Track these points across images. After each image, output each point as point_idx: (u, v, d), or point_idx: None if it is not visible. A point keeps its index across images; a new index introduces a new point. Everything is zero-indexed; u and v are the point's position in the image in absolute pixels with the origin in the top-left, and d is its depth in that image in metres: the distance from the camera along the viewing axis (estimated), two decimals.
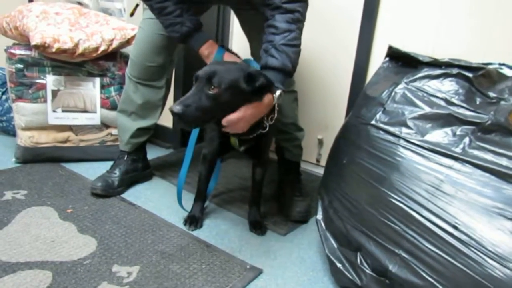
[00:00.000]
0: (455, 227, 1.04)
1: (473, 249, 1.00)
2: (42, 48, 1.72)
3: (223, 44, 1.91)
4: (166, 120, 2.27)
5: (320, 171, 2.18)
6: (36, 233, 1.41)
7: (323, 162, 2.21)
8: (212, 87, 1.19)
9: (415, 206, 1.12)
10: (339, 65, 2.01)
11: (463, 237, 1.02)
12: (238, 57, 1.55)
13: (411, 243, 1.11)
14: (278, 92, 1.29)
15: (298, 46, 1.35)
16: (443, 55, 1.45)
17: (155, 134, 1.89)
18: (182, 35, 1.44)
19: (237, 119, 1.22)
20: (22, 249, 1.33)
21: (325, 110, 2.12)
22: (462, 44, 1.65)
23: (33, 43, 1.70)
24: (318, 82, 2.09)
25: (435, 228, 1.07)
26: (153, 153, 2.18)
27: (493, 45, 1.59)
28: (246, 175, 1.98)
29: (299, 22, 1.35)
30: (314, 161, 2.22)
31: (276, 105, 1.32)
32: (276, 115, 1.36)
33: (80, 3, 2.28)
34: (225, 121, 1.22)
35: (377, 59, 1.81)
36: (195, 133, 1.52)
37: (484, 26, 1.60)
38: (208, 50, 1.46)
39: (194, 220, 1.57)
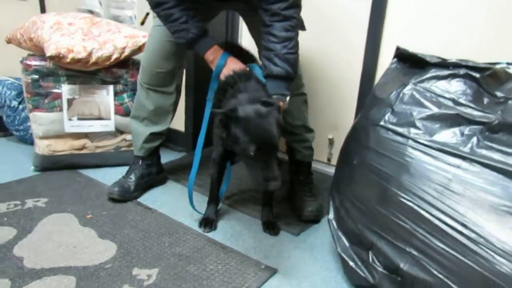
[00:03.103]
0: (464, 225, 1.06)
1: (482, 246, 1.02)
2: (57, 58, 1.77)
3: (235, 44, 1.94)
4: (178, 124, 2.32)
5: (331, 170, 2.20)
6: (59, 240, 1.47)
7: (334, 161, 2.23)
8: (276, 152, 1.27)
9: (425, 205, 1.15)
10: (347, 65, 2.03)
11: (472, 235, 1.04)
12: (246, 58, 1.59)
13: (421, 241, 1.13)
14: (287, 99, 1.41)
15: (297, 52, 1.45)
16: (452, 55, 1.48)
17: (168, 138, 1.94)
18: (188, 41, 1.49)
19: None
20: (46, 255, 1.38)
21: (335, 110, 2.14)
22: (471, 44, 1.66)
23: (48, 54, 1.75)
24: (327, 83, 2.12)
25: (444, 226, 1.10)
26: (166, 157, 2.22)
27: (502, 44, 1.60)
28: None
29: (296, 28, 1.43)
30: (325, 160, 2.25)
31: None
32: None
33: (91, 12, 2.33)
34: None
35: (386, 59, 1.83)
36: (202, 136, 1.57)
37: (494, 25, 1.61)
38: (213, 56, 1.51)
39: (208, 222, 1.61)
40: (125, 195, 1.75)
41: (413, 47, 1.74)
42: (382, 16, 1.82)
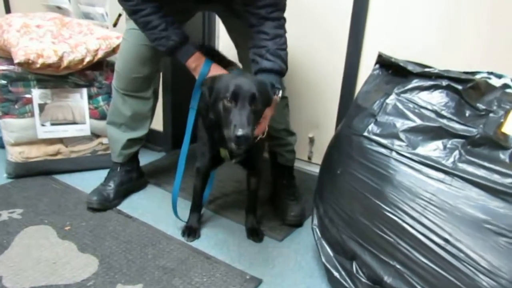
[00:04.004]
0: (447, 241, 1.09)
1: (463, 262, 1.05)
2: (26, 65, 1.68)
3: (212, 48, 1.89)
4: (156, 124, 2.26)
5: (312, 168, 2.22)
6: (37, 255, 1.43)
7: (315, 159, 2.25)
8: (256, 104, 1.23)
9: (408, 220, 1.16)
10: (329, 63, 2.01)
11: (454, 251, 1.07)
12: (227, 65, 1.55)
13: (404, 255, 1.15)
14: (280, 93, 1.39)
15: (286, 48, 1.44)
16: (432, 58, 1.48)
17: (146, 138, 1.87)
18: (168, 49, 1.43)
19: (265, 125, 1.36)
20: (26, 273, 1.34)
21: (316, 109, 2.13)
22: (454, 46, 1.66)
23: (16, 61, 1.66)
24: (308, 80, 2.10)
25: (427, 241, 1.12)
26: (145, 157, 2.17)
27: (485, 51, 1.61)
28: (240, 177, 1.99)
29: (284, 26, 1.43)
30: (305, 158, 2.25)
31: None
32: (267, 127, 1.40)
33: (59, 8, 2.21)
34: (260, 131, 1.35)
35: (368, 58, 1.83)
36: (185, 145, 1.53)
37: (475, 30, 1.62)
38: (195, 63, 1.46)
39: (192, 231, 1.60)
40: (104, 204, 1.71)
41: (397, 44, 1.76)
42: (364, 12, 1.80)
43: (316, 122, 2.16)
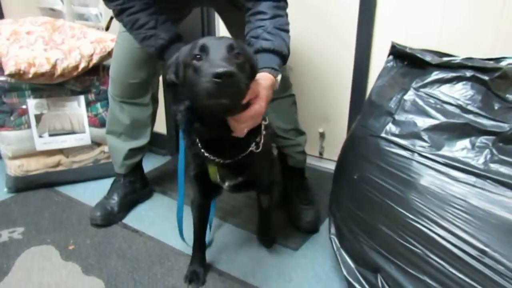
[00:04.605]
0: (483, 252, 0.98)
1: (503, 276, 0.94)
2: (17, 75, 1.59)
3: None
4: (159, 126, 2.16)
5: (324, 164, 2.12)
6: (40, 280, 1.35)
7: (326, 155, 2.14)
8: (237, 53, 0.96)
9: (438, 229, 1.05)
10: (337, 56, 1.89)
11: (492, 263, 0.95)
12: None
13: (435, 269, 1.04)
14: (279, 76, 1.14)
15: (289, 31, 1.23)
16: (450, 46, 1.35)
17: (150, 141, 1.76)
18: (157, 50, 1.26)
19: (262, 106, 1.03)
20: None
21: (325, 103, 2.01)
22: (475, 32, 1.52)
23: (7, 72, 1.57)
24: (316, 73, 1.97)
25: (460, 253, 1.01)
26: (149, 162, 2.08)
27: (503, 37, 1.47)
28: None
29: (285, 9, 1.25)
30: (317, 154, 2.14)
31: (262, 125, 1.15)
32: (262, 139, 1.15)
33: (53, 10, 2.10)
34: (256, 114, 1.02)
35: (380, 48, 1.70)
36: (181, 170, 1.32)
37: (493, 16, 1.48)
38: None
39: (195, 276, 1.35)
40: (109, 219, 1.62)
41: (411, 32, 1.62)
42: (372, 2, 1.67)
43: (326, 116, 2.04)
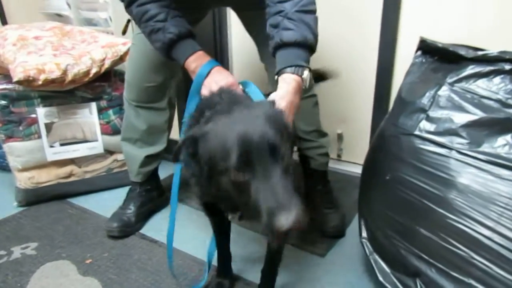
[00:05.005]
0: None
1: None
2: (26, 83, 1.53)
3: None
4: (173, 132, 2.10)
5: (343, 167, 2.06)
6: None
7: (345, 157, 2.08)
8: (281, 157, 0.78)
9: (482, 230, 1.00)
10: (356, 53, 1.83)
11: None
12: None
13: (482, 271, 0.99)
14: (306, 73, 1.03)
15: (315, 12, 1.09)
16: (479, 41, 1.30)
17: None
18: (165, 44, 1.15)
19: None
20: None
21: (343, 103, 1.95)
22: (499, 25, 1.47)
23: (15, 79, 1.50)
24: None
25: (508, 253, 0.96)
26: (163, 169, 2.00)
27: None
28: None
29: None
30: (335, 156, 2.08)
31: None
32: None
33: (59, 15, 2.05)
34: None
35: (404, 44, 1.66)
36: (176, 180, 1.25)
37: None
38: (195, 63, 1.15)
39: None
40: (126, 230, 1.55)
41: (438, 29, 1.57)
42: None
43: (343, 117, 1.98)
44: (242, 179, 0.76)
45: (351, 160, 2.06)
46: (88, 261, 1.43)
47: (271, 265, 1.20)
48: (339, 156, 2.08)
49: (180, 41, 1.16)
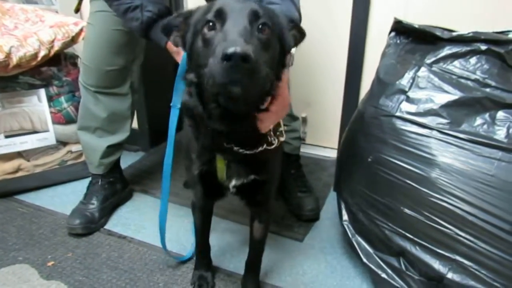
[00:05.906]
0: None
1: None
2: None
3: None
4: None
5: (307, 150, 2.06)
6: None
7: (309, 140, 2.08)
8: (262, 27, 0.76)
9: (466, 207, 1.03)
10: (322, 35, 1.81)
11: None
12: None
13: (467, 246, 1.02)
14: (293, 49, 0.95)
15: None
16: (450, 22, 1.33)
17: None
18: (143, 23, 1.07)
19: (282, 107, 0.89)
20: None
21: (307, 87, 1.94)
22: (470, 6, 1.52)
23: None
24: (299, 56, 1.88)
25: (493, 228, 1.00)
26: (123, 159, 1.87)
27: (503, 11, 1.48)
28: None
29: None
30: None
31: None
32: (284, 134, 1.01)
33: None
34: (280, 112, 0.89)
35: (376, 23, 1.66)
36: (169, 157, 1.15)
37: None
38: None
39: (203, 281, 1.22)
40: (90, 227, 1.43)
41: (406, 10, 1.58)
42: None
43: (308, 101, 1.97)
44: (211, 33, 0.75)
45: (315, 143, 2.06)
46: (50, 264, 1.30)
47: (254, 256, 1.19)
48: (303, 139, 2.07)
49: (159, 20, 1.07)
